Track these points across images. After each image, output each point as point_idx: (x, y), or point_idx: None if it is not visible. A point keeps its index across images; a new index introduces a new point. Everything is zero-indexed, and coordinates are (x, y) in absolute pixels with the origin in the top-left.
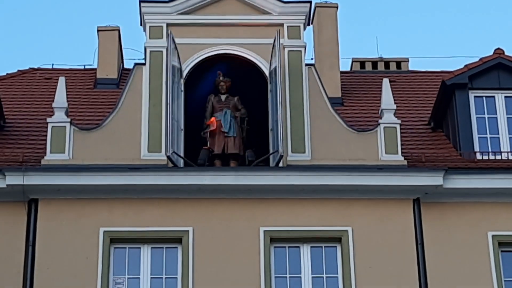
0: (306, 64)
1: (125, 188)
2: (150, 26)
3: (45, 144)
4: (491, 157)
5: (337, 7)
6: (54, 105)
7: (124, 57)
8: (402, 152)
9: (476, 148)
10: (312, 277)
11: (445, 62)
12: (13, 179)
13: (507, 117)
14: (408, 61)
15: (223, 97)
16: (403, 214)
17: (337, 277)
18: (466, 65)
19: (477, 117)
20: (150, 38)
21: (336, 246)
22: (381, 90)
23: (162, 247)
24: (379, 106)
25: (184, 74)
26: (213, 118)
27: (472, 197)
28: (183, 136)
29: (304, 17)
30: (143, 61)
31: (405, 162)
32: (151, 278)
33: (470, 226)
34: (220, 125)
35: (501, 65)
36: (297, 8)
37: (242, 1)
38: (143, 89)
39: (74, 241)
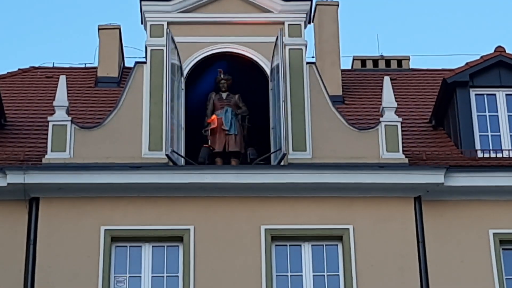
0: (307, 62)
1: (126, 187)
2: (150, 25)
3: (46, 142)
4: (492, 155)
5: (338, 5)
6: (55, 103)
7: (125, 56)
8: (403, 150)
9: (477, 146)
10: (313, 275)
11: (446, 60)
12: (14, 177)
13: (508, 115)
14: (409, 59)
15: (224, 95)
16: (404, 212)
17: (338, 275)
18: (467, 63)
19: (478, 115)
20: (150, 36)
21: (337, 245)
22: (382, 88)
23: (163, 246)
24: (380, 104)
25: (185, 72)
26: (214, 116)
27: (473, 195)
28: (184, 134)
29: (305, 15)
30: (144, 60)
31: (406, 160)
32: (152, 276)
33: (471, 224)
34: (221, 123)
35: (502, 63)
36: (298, 6)
37: None
38: (144, 87)
39: (75, 240)
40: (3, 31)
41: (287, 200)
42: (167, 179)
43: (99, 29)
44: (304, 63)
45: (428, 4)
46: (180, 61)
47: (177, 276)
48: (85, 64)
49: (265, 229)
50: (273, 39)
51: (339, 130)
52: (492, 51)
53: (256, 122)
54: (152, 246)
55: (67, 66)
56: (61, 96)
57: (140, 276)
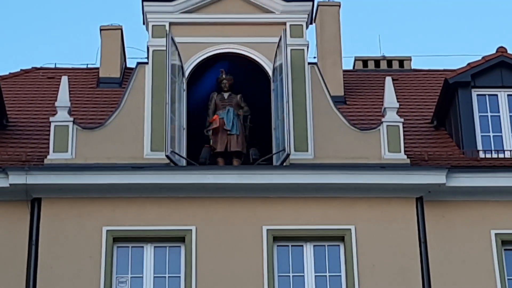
0: (309, 63)
1: (128, 187)
2: (152, 25)
3: (48, 143)
4: (494, 155)
5: (339, 6)
6: (57, 104)
7: (126, 56)
8: (405, 151)
9: (479, 147)
10: (315, 276)
11: (448, 61)
12: (16, 178)
13: (510, 116)
14: (410, 59)
15: (225, 95)
16: (406, 212)
17: (340, 275)
18: (468, 64)
19: (480, 116)
20: (152, 37)
21: (339, 245)
22: (383, 89)
23: (165, 246)
24: (382, 105)
25: (187, 73)
26: (216, 116)
27: (475, 196)
28: (186, 134)
29: (306, 16)
30: (145, 60)
31: (408, 161)
32: (154, 277)
33: (473, 224)
34: (222, 123)
35: (504, 64)
36: (300, 6)
37: (244, 0)
38: (146, 88)
39: (77, 240)
40: (5, 31)
41: (289, 200)
42: (169, 179)
43: (101, 29)
44: (306, 64)
45: (429, 4)
46: (181, 62)
47: (179, 276)
48: (87, 64)
49: (267, 230)
50: (275, 39)
51: (340, 130)
52: (494, 51)
53: (258, 122)
54: (154, 247)
55: (69, 66)
56: (63, 96)
57: (142, 277)
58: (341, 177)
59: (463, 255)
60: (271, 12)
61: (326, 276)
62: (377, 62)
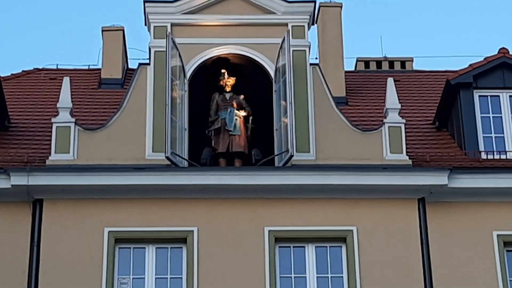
0: (311, 64)
1: (130, 188)
2: (154, 26)
3: (50, 144)
4: (496, 156)
5: (341, 7)
6: (58, 105)
7: (128, 57)
8: (407, 152)
9: (481, 148)
10: (317, 277)
11: (450, 62)
12: (18, 179)
13: None
14: (412, 60)
15: (227, 95)
16: (408, 213)
17: (342, 277)
18: (470, 65)
19: (481, 117)
20: (154, 38)
21: (341, 246)
22: (385, 90)
23: (167, 247)
24: (384, 106)
25: (189, 74)
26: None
27: (477, 197)
28: (187, 135)
29: (308, 17)
30: (147, 61)
31: (410, 162)
32: (156, 278)
33: (475, 225)
34: (224, 123)
35: (505, 65)
36: (302, 7)
37: (246, 1)
38: (147, 89)
39: (78, 241)
40: (6, 32)
41: (291, 201)
42: (171, 180)
43: (102, 30)
44: (308, 65)
45: (431, 5)
46: (182, 63)
47: (181, 277)
48: (89, 65)
49: (269, 231)
50: (277, 40)
51: (342, 131)
52: (496, 52)
53: (259, 122)
54: (156, 248)
55: (71, 67)
56: (65, 97)
57: (144, 278)
58: (343, 178)
59: (465, 257)
60: (273, 13)
61: (328, 277)
62: (379, 63)
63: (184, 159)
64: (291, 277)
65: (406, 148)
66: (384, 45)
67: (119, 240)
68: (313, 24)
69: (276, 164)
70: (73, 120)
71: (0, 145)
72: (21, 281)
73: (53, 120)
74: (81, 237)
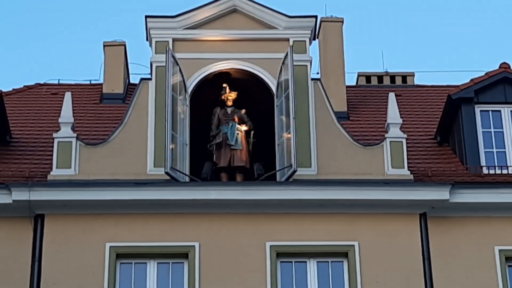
0: (312, 79)
1: (131, 203)
2: (156, 41)
3: (51, 159)
4: (498, 171)
5: (342, 22)
6: (60, 120)
7: (130, 72)
8: (408, 167)
9: (483, 163)
10: None
11: (451, 76)
12: (19, 194)
13: None
14: (414, 75)
15: (229, 109)
16: (410, 228)
17: None
18: (472, 79)
19: (483, 131)
20: (156, 53)
21: (342, 261)
22: (387, 104)
23: (168, 262)
24: (385, 120)
25: (190, 89)
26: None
27: (478, 212)
28: (189, 150)
29: (309, 32)
30: (149, 76)
31: (412, 177)
32: None
33: (477, 240)
34: (226, 137)
35: (507, 79)
36: (303, 22)
37: (248, 16)
38: (149, 104)
39: (80, 257)
40: (8, 47)
41: (292, 216)
42: (172, 195)
43: (104, 45)
44: (309, 79)
45: (432, 20)
46: (183, 78)
47: None
48: (91, 80)
49: (270, 246)
50: (278, 55)
51: (344, 146)
52: (497, 67)
53: (261, 137)
54: (157, 263)
55: (73, 82)
56: (67, 112)
57: None
58: (345, 193)
59: (467, 271)
60: (275, 28)
61: None
62: (380, 77)
63: (185, 174)
64: None
65: (408, 163)
66: (385, 60)
67: (120, 255)
68: (314, 39)
69: (278, 179)
70: (75, 135)
71: (2, 160)
72: None
73: (54, 135)
74: (83, 252)
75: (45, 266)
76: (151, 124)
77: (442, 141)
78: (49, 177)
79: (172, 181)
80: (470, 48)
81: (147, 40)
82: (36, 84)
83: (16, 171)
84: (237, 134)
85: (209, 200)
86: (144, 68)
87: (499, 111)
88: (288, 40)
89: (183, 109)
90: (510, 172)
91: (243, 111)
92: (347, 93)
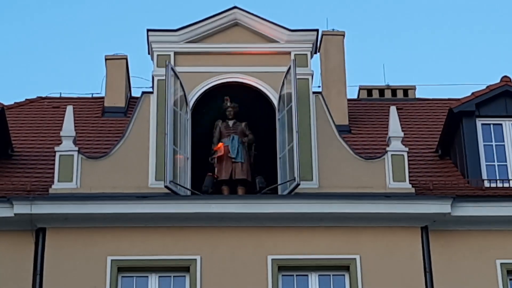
0: (313, 92)
1: (133, 217)
2: (157, 55)
3: (53, 173)
4: (499, 184)
5: (344, 35)
6: (62, 133)
7: (131, 86)
8: (409, 180)
9: (484, 176)
10: None
11: (452, 90)
12: (21, 208)
13: None
14: (415, 88)
15: (230, 122)
16: (411, 242)
17: None
18: (473, 93)
19: (484, 145)
20: (157, 66)
21: (344, 274)
22: (388, 118)
23: (170, 276)
24: (387, 134)
25: (192, 102)
26: (220, 144)
27: (480, 225)
28: (190, 164)
29: (311, 45)
30: (150, 90)
31: (413, 190)
32: None
33: (478, 254)
34: (227, 150)
35: (508, 93)
36: (304, 36)
37: (249, 30)
38: (150, 117)
39: (81, 270)
40: (10, 61)
41: (294, 230)
42: (174, 209)
43: (106, 59)
44: (311, 93)
45: (434, 34)
46: (184, 91)
47: None
48: (92, 94)
49: (272, 259)
50: (280, 69)
51: (345, 159)
52: (498, 80)
53: (262, 150)
54: (159, 277)
55: (74, 96)
56: (68, 126)
57: None
58: (346, 207)
59: (468, 285)
60: (276, 41)
61: None
62: (381, 91)
63: (185, 188)
64: None
65: (409, 176)
66: (386, 73)
67: (122, 268)
68: (315, 52)
69: (280, 192)
70: (76, 148)
71: (3, 174)
72: None
73: (56, 148)
74: (84, 266)
75: (46, 279)
76: (152, 138)
77: (444, 154)
78: (50, 191)
79: (173, 195)
80: (471, 61)
81: (148, 53)
82: (38, 97)
83: (17, 184)
84: (239, 147)
85: (210, 213)
86: (145, 82)
87: (500, 124)
88: (289, 53)
89: (184, 123)
90: (511, 185)
91: (244, 123)
92: (348, 107)
